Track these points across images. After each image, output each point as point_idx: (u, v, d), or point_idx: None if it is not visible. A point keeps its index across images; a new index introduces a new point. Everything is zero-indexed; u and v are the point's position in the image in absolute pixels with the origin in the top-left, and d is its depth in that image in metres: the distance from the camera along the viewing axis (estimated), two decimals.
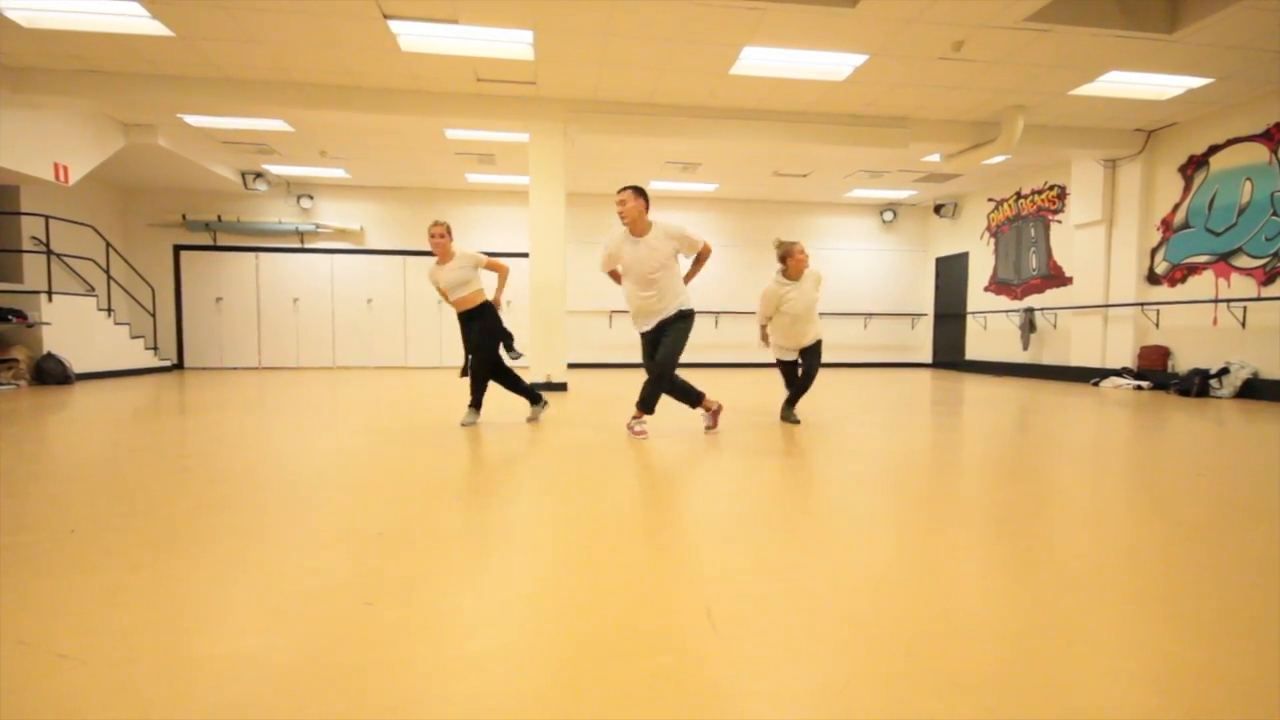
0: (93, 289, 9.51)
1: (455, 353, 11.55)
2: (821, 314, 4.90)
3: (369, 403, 5.95)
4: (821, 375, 4.97)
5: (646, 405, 4.05)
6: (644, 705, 1.12)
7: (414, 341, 11.47)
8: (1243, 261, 6.87)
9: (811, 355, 4.67)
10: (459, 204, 11.45)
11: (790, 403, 4.76)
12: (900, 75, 6.28)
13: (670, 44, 5.66)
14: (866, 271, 12.34)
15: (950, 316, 11.98)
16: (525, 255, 9.63)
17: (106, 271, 9.90)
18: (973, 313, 11.22)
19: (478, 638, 1.37)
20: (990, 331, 10.85)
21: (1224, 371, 6.83)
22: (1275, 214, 6.55)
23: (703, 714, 1.10)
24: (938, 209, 11.93)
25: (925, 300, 12.58)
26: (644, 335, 4.09)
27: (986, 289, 10.94)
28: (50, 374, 7.55)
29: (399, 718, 1.08)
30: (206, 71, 6.29)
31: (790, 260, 4.52)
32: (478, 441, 3.84)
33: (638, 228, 3.91)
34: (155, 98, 6.44)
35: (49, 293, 7.93)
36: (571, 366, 11.20)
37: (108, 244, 9.92)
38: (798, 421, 4.66)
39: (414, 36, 5.52)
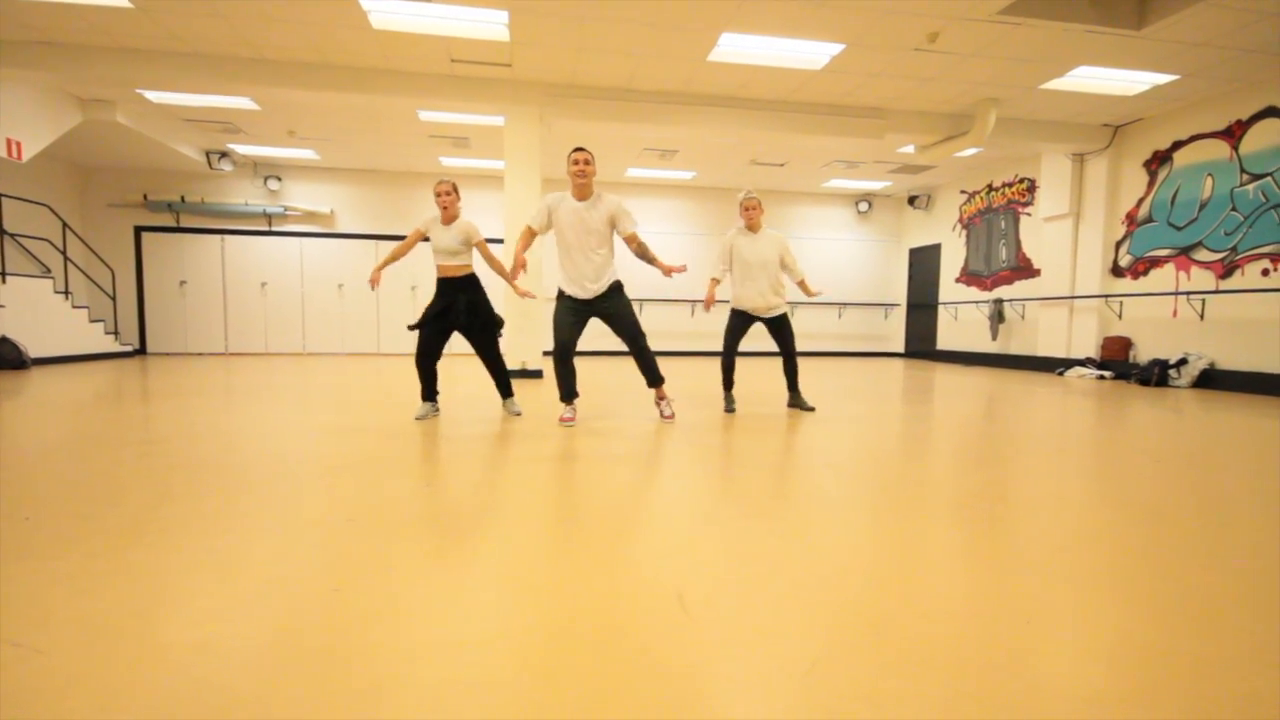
0: (49, 270, 9.18)
1: None
2: (798, 303, 4.95)
3: (340, 389, 5.85)
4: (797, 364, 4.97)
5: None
6: (615, 687, 1.12)
7: (387, 328, 11.30)
8: (1202, 255, 7.08)
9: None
10: (432, 188, 11.25)
11: (792, 388, 4.77)
12: (877, 66, 6.31)
13: (648, 29, 5.61)
14: (842, 262, 12.46)
15: (922, 307, 12.16)
16: (500, 241, 9.53)
17: (63, 253, 9.56)
18: (944, 303, 11.40)
19: (448, 623, 1.36)
20: (961, 322, 11.05)
21: (1182, 362, 7.05)
22: (1234, 209, 6.75)
23: (673, 695, 1.10)
24: (911, 200, 12.08)
25: (898, 290, 12.75)
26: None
27: (958, 280, 11.12)
28: (4, 358, 7.28)
29: (368, 703, 1.07)
30: (168, 45, 6.06)
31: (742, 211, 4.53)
32: (450, 429, 3.80)
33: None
34: (114, 72, 6.19)
35: (2, 274, 7.63)
36: (547, 354, 11.16)
37: (64, 224, 9.58)
38: (812, 408, 4.71)
39: (385, 14, 5.38)
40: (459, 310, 4.09)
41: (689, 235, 11.78)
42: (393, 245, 11.09)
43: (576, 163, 3.80)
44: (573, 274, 3.91)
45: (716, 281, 4.59)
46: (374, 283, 4.24)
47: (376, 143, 9.34)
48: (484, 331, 4.23)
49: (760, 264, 4.49)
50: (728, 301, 4.84)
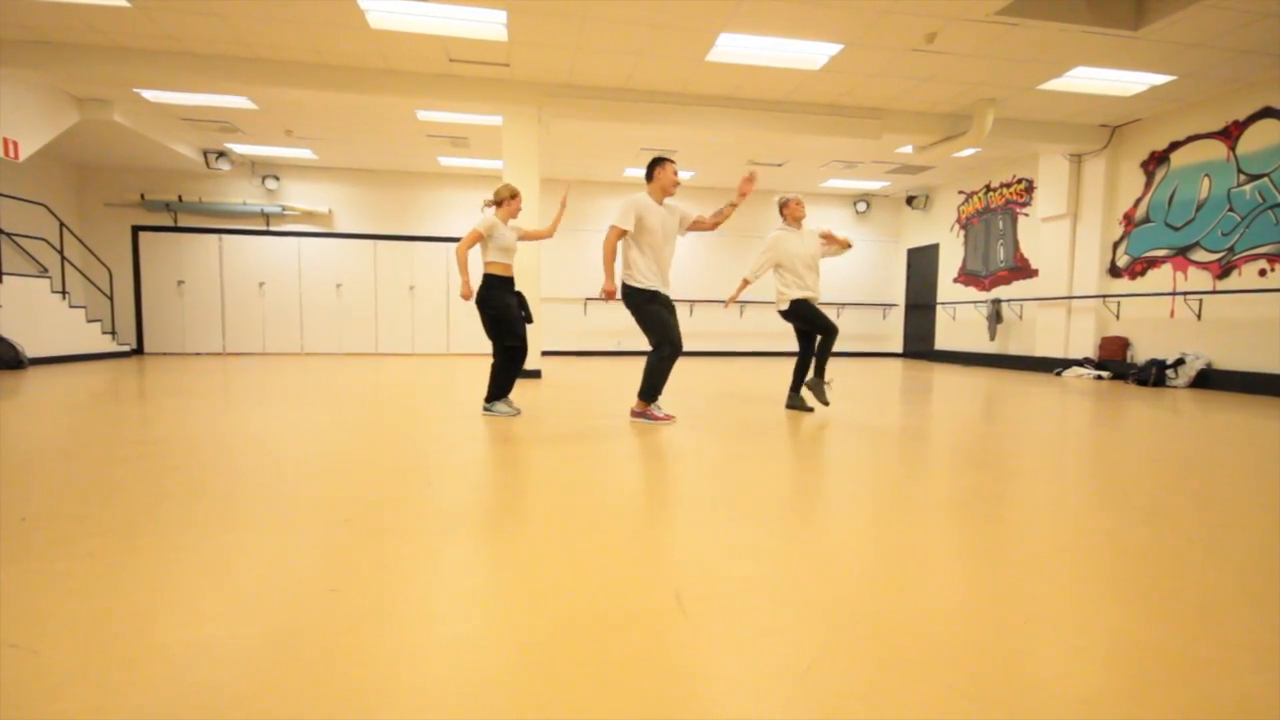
0: (46, 270, 9.16)
1: (427, 340, 11.40)
2: None
3: (338, 390, 5.85)
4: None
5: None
6: (613, 687, 1.12)
7: (385, 328, 11.28)
8: (1200, 255, 7.10)
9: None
10: (431, 188, 11.26)
11: (820, 371, 4.57)
12: (874, 66, 6.32)
13: (646, 29, 5.61)
14: (840, 262, 12.45)
15: (921, 307, 12.17)
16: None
17: (60, 252, 9.54)
18: (942, 303, 11.42)
19: (446, 622, 1.35)
20: (959, 322, 11.06)
21: (1180, 362, 7.06)
22: (1231, 210, 6.77)
23: (671, 694, 1.10)
24: (910, 200, 12.09)
25: (897, 291, 12.76)
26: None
27: (956, 280, 11.13)
28: (1, 358, 7.26)
29: (365, 703, 1.06)
30: (165, 44, 6.05)
31: (785, 209, 4.64)
32: (447, 429, 3.80)
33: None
34: (111, 71, 6.18)
35: None
36: (545, 354, 11.15)
37: (61, 224, 9.56)
38: (810, 409, 4.65)
39: (382, 13, 5.38)
40: (523, 308, 4.29)
41: (688, 234, 11.77)
42: (394, 244, 11.11)
43: (676, 175, 4.05)
44: (660, 273, 4.04)
45: (748, 282, 4.67)
46: (469, 295, 4.21)
47: (375, 142, 9.33)
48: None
49: (812, 259, 4.58)
50: (747, 301, 4.86)
